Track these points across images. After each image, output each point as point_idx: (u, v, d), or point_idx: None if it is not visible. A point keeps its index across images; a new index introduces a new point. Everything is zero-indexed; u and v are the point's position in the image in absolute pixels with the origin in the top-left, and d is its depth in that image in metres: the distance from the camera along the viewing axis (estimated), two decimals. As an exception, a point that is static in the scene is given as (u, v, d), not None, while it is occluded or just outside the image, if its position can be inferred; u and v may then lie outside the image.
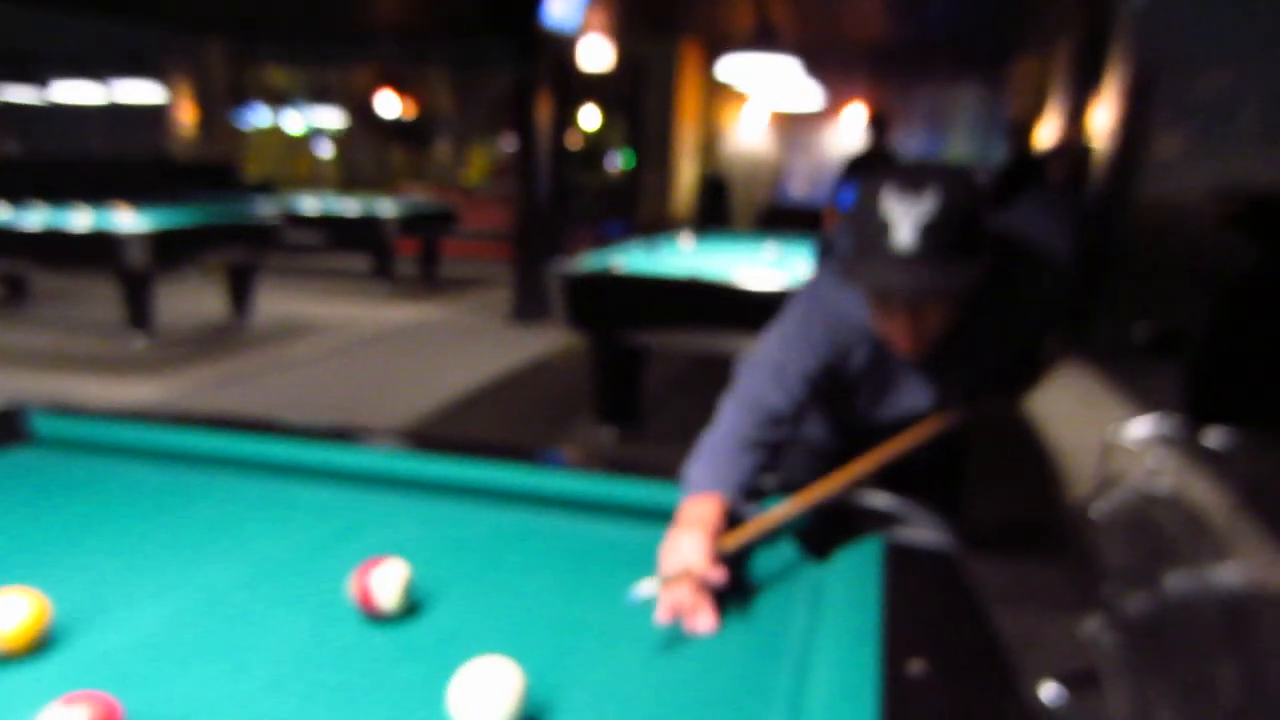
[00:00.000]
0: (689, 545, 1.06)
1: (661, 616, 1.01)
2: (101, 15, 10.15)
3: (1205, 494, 3.62)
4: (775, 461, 1.34)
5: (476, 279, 10.58)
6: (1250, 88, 4.34)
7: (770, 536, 1.19)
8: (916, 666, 0.81)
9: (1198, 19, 5.24)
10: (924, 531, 1.13)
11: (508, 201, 10.63)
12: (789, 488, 1.30)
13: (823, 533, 1.20)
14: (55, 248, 6.59)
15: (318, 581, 1.06)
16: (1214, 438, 3.67)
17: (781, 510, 1.19)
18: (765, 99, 6.32)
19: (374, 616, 0.97)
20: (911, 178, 1.21)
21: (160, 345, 6.71)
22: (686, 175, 11.58)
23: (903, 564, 1.05)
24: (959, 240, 1.20)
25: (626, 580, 1.06)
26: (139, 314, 6.67)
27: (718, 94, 11.85)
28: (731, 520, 1.17)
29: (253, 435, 1.45)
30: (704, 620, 1.00)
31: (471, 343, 7.01)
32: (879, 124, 6.01)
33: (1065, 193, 1.92)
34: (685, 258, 4.83)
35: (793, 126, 11.72)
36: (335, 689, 0.85)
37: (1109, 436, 3.84)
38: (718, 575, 1.03)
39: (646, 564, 1.11)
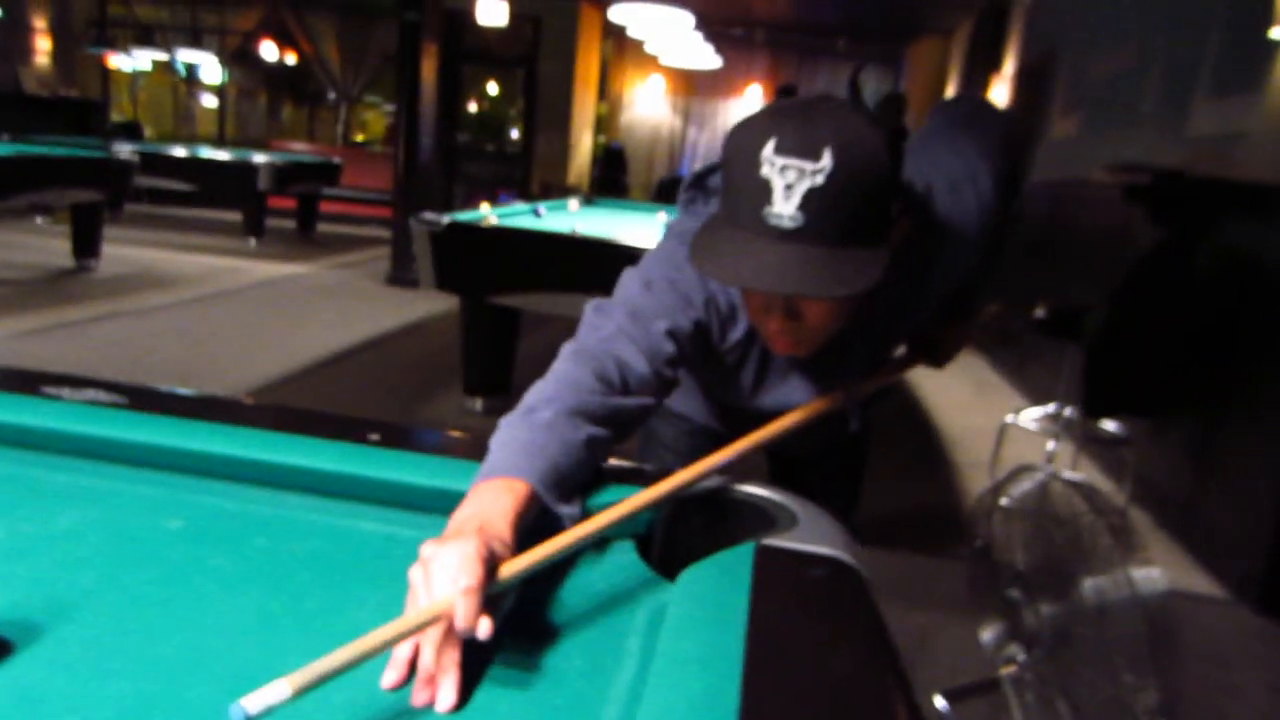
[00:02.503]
0: (453, 566, 0.65)
1: (390, 679, 0.64)
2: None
3: (1103, 485, 3.50)
4: (619, 442, 0.98)
5: (357, 239, 10.00)
6: (1147, 70, 4.25)
7: (588, 548, 0.84)
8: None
9: (1095, 1, 5.17)
10: (809, 532, 0.81)
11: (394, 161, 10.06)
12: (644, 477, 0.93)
13: (672, 537, 0.88)
14: None
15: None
16: (1110, 426, 3.55)
17: (612, 513, 0.82)
18: (661, 51, 6.03)
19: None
20: (806, 131, 0.87)
21: (-14, 290, 5.99)
22: (584, 144, 11.21)
23: (780, 572, 0.73)
24: (856, 219, 0.89)
25: (364, 611, 0.71)
26: (-46, 254, 5.92)
27: (618, 62, 11.50)
28: (539, 524, 0.80)
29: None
30: (445, 693, 0.62)
31: (342, 303, 6.50)
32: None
33: (979, 102, 1.53)
34: (569, 219, 4.47)
35: (694, 100, 11.47)
36: None
37: (1005, 423, 3.69)
38: (482, 629, 0.63)
39: (398, 576, 0.76)
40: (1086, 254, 4.54)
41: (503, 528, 0.73)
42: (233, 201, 9.12)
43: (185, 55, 11.72)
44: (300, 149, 12.09)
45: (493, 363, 4.03)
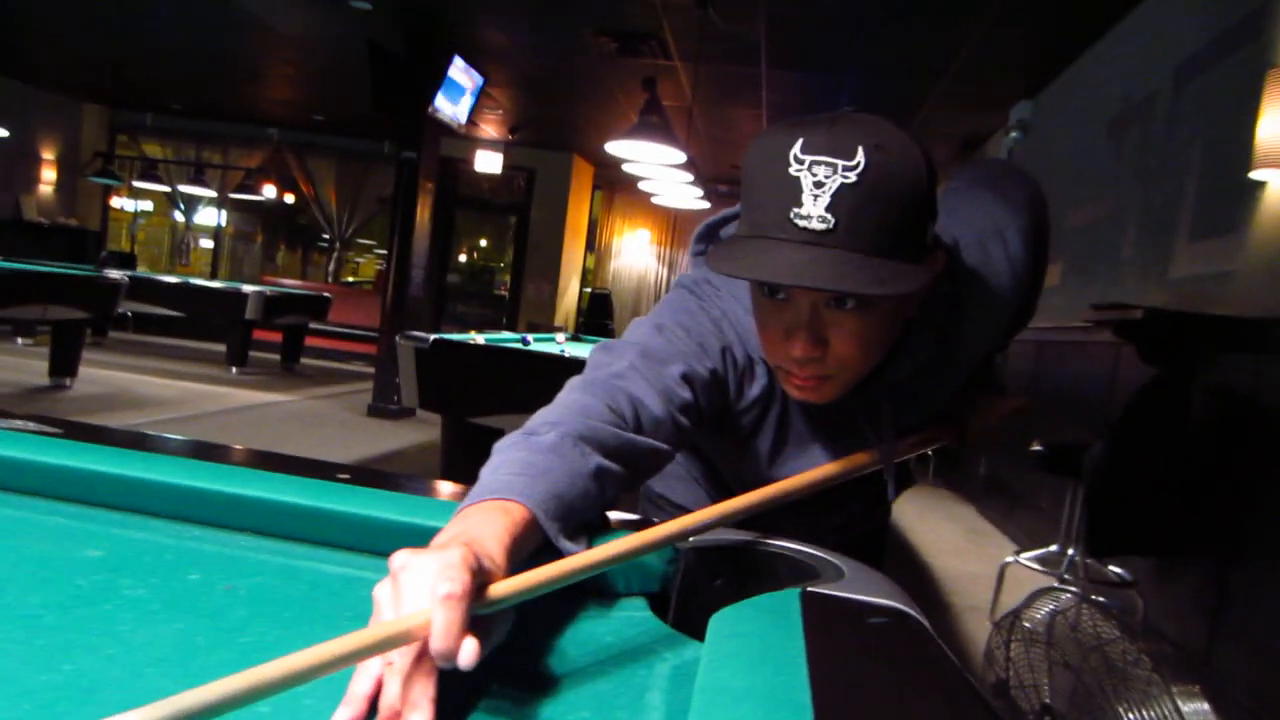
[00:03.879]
0: (431, 572, 0.51)
1: (345, 716, 0.48)
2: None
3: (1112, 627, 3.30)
4: (630, 487, 0.84)
5: (341, 373, 9.94)
6: (1127, 217, 4.35)
7: (593, 600, 0.70)
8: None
9: (1072, 153, 5.35)
10: (859, 584, 0.68)
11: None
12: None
13: (691, 594, 0.74)
14: None
15: None
16: (1114, 567, 3.39)
17: (614, 547, 0.66)
18: (654, 190, 6.17)
19: None
20: (836, 130, 0.79)
21: (-54, 403, 5.82)
22: (571, 290, 11.37)
23: (836, 623, 0.58)
24: (891, 228, 0.79)
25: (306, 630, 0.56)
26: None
27: (607, 215, 11.83)
28: (536, 553, 0.65)
29: None
30: None
31: (321, 430, 6.35)
32: None
33: (1003, 163, 1.45)
34: (556, 350, 4.42)
35: (678, 252, 11.73)
36: None
37: (1005, 564, 3.53)
38: (465, 652, 0.48)
39: (357, 614, 0.61)
40: (1076, 399, 4.50)
41: (493, 547, 0.58)
42: (219, 330, 9.10)
43: (187, 189, 11.96)
44: (291, 284, 12.19)
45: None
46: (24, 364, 7.49)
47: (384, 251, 15.12)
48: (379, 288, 13.51)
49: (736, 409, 1.02)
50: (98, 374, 7.30)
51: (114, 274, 7.72)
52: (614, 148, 4.21)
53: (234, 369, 8.70)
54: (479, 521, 0.61)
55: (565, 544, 0.67)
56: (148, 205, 13.97)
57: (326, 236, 14.77)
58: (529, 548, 0.65)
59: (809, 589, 0.63)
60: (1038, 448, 3.27)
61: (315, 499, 0.75)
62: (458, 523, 0.62)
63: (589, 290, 11.84)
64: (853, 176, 0.77)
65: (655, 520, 1.09)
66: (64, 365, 6.93)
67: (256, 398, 7.47)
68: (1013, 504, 5.09)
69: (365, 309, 12.26)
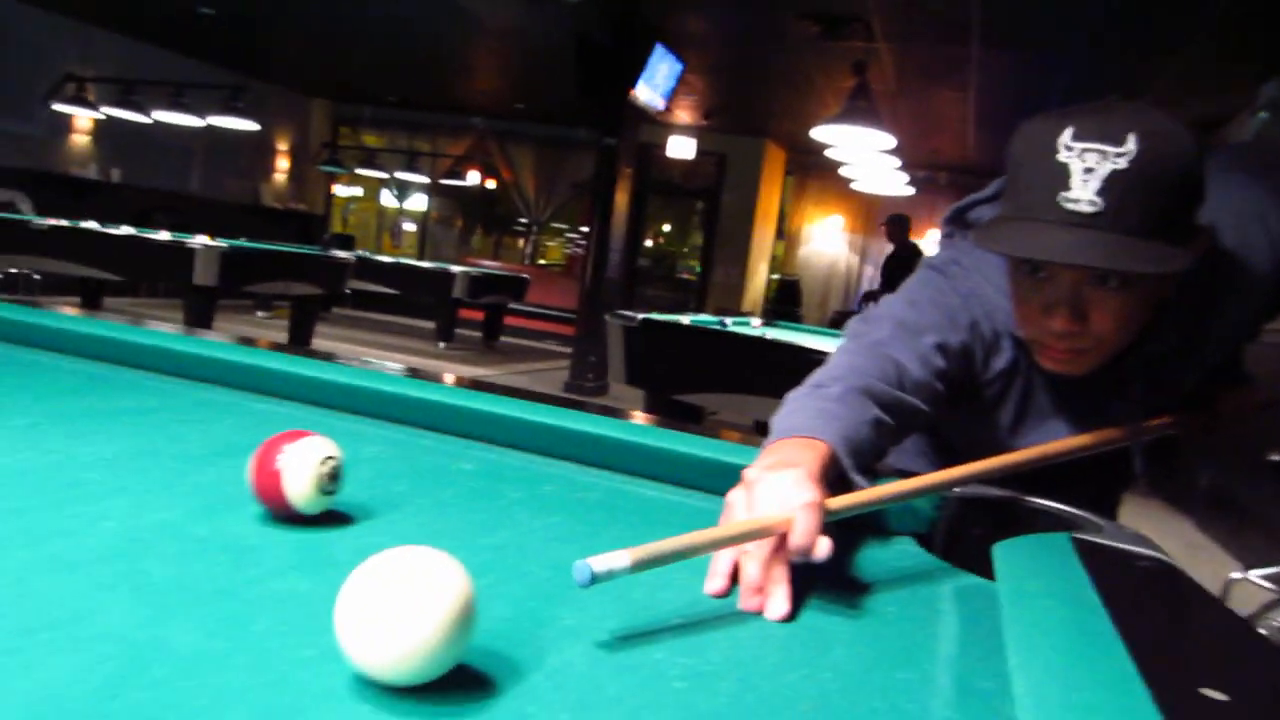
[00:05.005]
0: (790, 490, 0.63)
1: (715, 586, 0.62)
2: (217, 64, 10.54)
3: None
4: (897, 440, 0.94)
5: (537, 351, 10.42)
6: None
7: (870, 537, 0.80)
8: (1212, 693, 0.43)
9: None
10: (1118, 537, 0.74)
11: (577, 283, 10.51)
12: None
13: (955, 537, 0.83)
14: (128, 255, 6.57)
15: (217, 475, 0.73)
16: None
17: (911, 484, 0.79)
18: (856, 176, 6.13)
19: (280, 512, 0.63)
20: (1106, 117, 0.84)
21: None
22: (760, 276, 11.39)
23: (1112, 565, 0.66)
24: (1160, 212, 0.83)
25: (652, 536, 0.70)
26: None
27: (798, 200, 11.76)
28: (831, 485, 0.74)
29: (212, 341, 1.14)
30: (777, 602, 0.60)
31: (522, 404, 6.73)
32: (900, 225, 6.43)
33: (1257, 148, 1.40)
34: (755, 331, 4.51)
35: (871, 239, 11.51)
36: (162, 583, 0.51)
37: (1230, 579, 3.33)
38: (821, 548, 0.61)
39: (685, 529, 0.74)
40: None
41: (819, 471, 0.70)
42: (428, 308, 9.74)
43: (401, 176, 12.88)
44: (491, 265, 12.88)
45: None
46: (264, 334, 8.33)
47: (575, 235, 15.67)
48: (570, 270, 14.03)
49: (982, 380, 1.08)
50: (326, 345, 8.01)
51: (341, 254, 8.46)
52: (819, 132, 4.25)
53: (441, 344, 9.30)
54: (793, 453, 0.73)
55: (857, 478, 0.77)
56: (358, 191, 15.06)
57: (524, 220, 15.46)
58: (830, 478, 0.76)
59: (1075, 535, 0.71)
60: (1276, 457, 3.06)
61: (639, 436, 0.89)
62: (773, 454, 0.74)
63: (777, 277, 11.83)
64: (1123, 163, 0.82)
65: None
66: (301, 337, 7.67)
67: (463, 371, 7.99)
68: (1240, 520, 4.76)
69: (557, 290, 12.77)
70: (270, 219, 12.66)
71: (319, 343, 7.76)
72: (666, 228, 13.77)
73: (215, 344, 1.10)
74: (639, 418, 0.98)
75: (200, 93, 8.75)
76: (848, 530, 0.79)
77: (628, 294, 8.51)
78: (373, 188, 15.19)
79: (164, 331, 1.15)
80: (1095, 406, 1.08)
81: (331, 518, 0.65)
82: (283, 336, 7.64)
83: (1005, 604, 0.56)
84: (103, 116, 9.13)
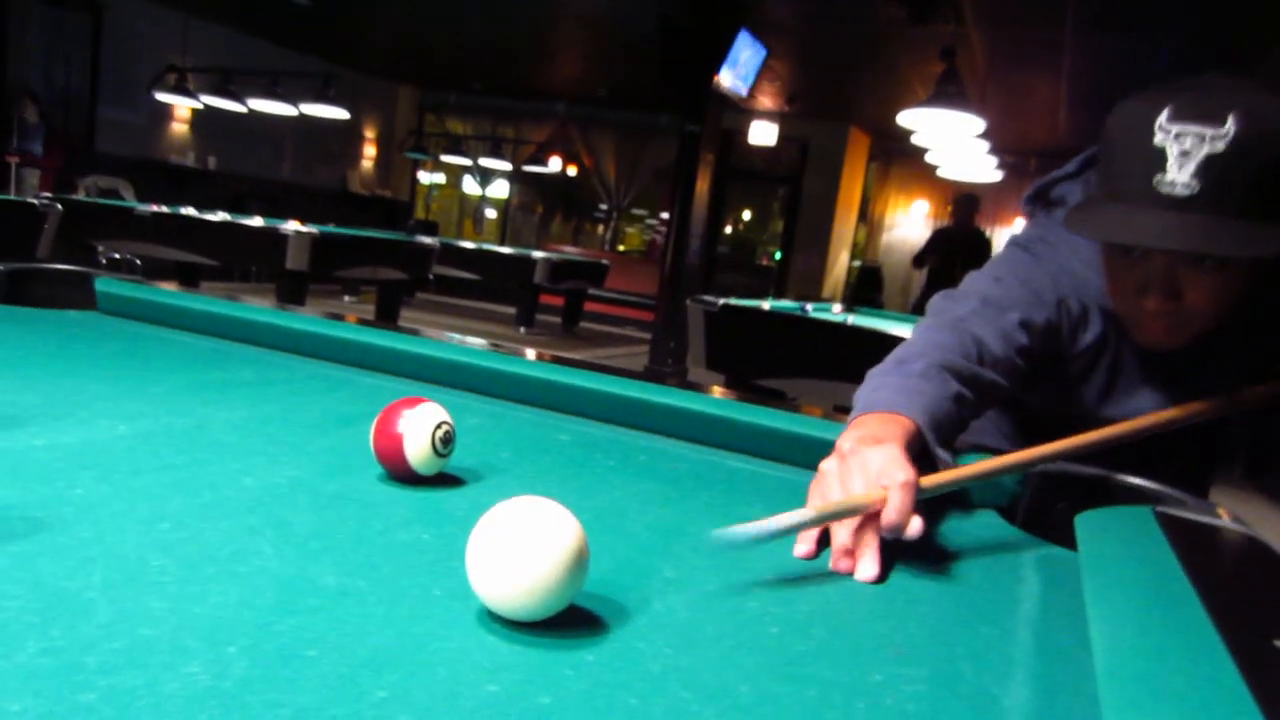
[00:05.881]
0: (885, 466, 0.66)
1: (803, 550, 0.65)
2: (306, 52, 10.87)
3: None
4: (976, 414, 0.95)
5: (616, 336, 10.50)
6: None
7: (954, 511, 0.82)
8: None
9: None
10: (1201, 511, 0.75)
11: (656, 269, 10.53)
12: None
13: (1037, 511, 0.84)
14: (224, 241, 6.85)
15: (335, 439, 0.79)
16: None
17: (999, 462, 0.80)
18: (941, 161, 6.03)
19: (398, 473, 0.68)
20: (1205, 96, 0.83)
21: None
22: (841, 262, 11.26)
23: (1194, 536, 0.67)
24: (1259, 192, 0.82)
25: (761, 507, 0.73)
26: (287, 313, 6.79)
27: (881, 185, 11.57)
28: (920, 462, 0.77)
29: (320, 319, 1.22)
30: (868, 564, 0.63)
31: (601, 388, 6.81)
32: (968, 205, 6.36)
33: None
34: (837, 317, 4.49)
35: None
36: (301, 531, 0.56)
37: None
38: (913, 526, 0.64)
39: (782, 496, 0.78)
40: None
41: (902, 448, 0.72)
42: (509, 293, 9.90)
43: (484, 162, 13.07)
44: (572, 251, 13.01)
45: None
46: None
47: (654, 221, 15.68)
48: (650, 256, 14.08)
49: (1070, 354, 1.08)
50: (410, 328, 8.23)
51: (427, 239, 8.67)
52: (906, 117, 4.19)
53: (522, 329, 9.46)
54: (880, 428, 0.76)
55: (940, 453, 0.79)
56: (441, 178, 15.35)
57: (604, 206, 15.55)
58: (914, 452, 0.78)
59: (1159, 509, 0.72)
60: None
61: (725, 410, 0.93)
62: (859, 428, 0.77)
63: (859, 263, 11.69)
64: (1221, 145, 0.81)
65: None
66: (388, 320, 7.89)
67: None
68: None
69: (636, 276, 12.82)
70: (357, 205, 13.03)
71: (405, 326, 7.97)
72: (747, 214, 13.71)
73: (326, 322, 1.17)
74: (721, 392, 1.02)
75: (293, 81, 9.03)
76: (932, 501, 0.82)
77: (706, 280, 8.52)
78: (455, 174, 15.46)
79: (279, 310, 1.23)
80: (1184, 379, 1.08)
81: (444, 479, 0.70)
82: (369, 318, 7.85)
83: (1085, 567, 0.58)
84: (201, 106, 9.48)
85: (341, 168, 13.32)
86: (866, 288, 10.93)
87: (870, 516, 0.64)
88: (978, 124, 4.16)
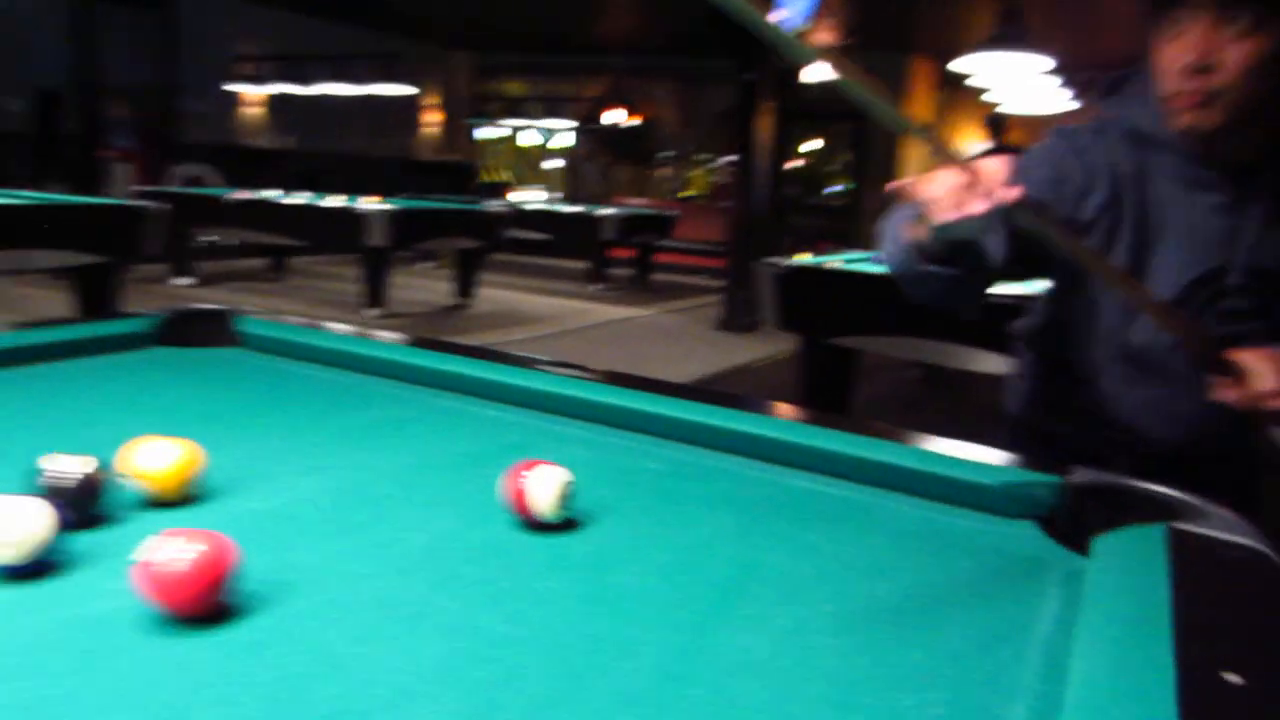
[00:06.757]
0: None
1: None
2: (363, 26, 11.06)
3: None
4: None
5: (689, 287, 10.59)
6: None
7: (984, 502, 0.96)
8: (1231, 676, 0.58)
9: None
10: (1220, 524, 0.87)
11: (723, 215, 10.54)
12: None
13: (1079, 516, 0.97)
14: (308, 223, 7.16)
15: (473, 484, 0.96)
16: None
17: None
18: (1005, 100, 5.94)
19: (527, 520, 0.85)
20: None
21: (390, 318, 7.11)
22: (913, 196, 11.09)
23: (1198, 556, 0.80)
24: None
25: (821, 532, 0.88)
26: (375, 290, 7.08)
27: (951, 113, 11.30)
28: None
29: (435, 353, 1.39)
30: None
31: (677, 344, 6.95)
32: (996, 124, 6.24)
33: None
34: (908, 265, 4.52)
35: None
36: (468, 583, 0.73)
37: None
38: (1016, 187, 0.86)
39: (841, 519, 0.93)
40: None
41: None
42: (579, 251, 10.06)
43: (544, 123, 13.18)
44: (638, 203, 13.09)
45: (831, 401, 4.17)
46: (433, 285, 8.84)
47: (719, 163, 15.58)
48: (717, 197, 14.01)
49: (1083, 220, 1.19)
50: (488, 293, 8.45)
51: (497, 206, 8.86)
52: (964, 64, 4.18)
53: (593, 285, 9.62)
54: None
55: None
56: (504, 131, 15.44)
57: (666, 154, 15.51)
58: None
59: (1174, 525, 0.84)
60: None
61: (788, 434, 1.08)
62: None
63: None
64: None
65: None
66: (466, 287, 8.13)
67: (616, 312, 8.27)
68: None
69: (703, 224, 12.84)
70: (424, 172, 13.30)
71: (482, 290, 8.21)
72: (812, 146, 13.46)
73: (447, 358, 1.35)
74: (787, 410, 1.16)
75: (358, 63, 9.25)
76: (968, 511, 0.96)
77: (775, 226, 8.50)
78: (515, 133, 15.58)
79: (401, 346, 1.41)
80: (1214, 227, 1.16)
81: (565, 524, 0.87)
82: (447, 287, 8.14)
83: (1085, 597, 0.72)
84: (271, 93, 9.80)
85: (407, 136, 13.59)
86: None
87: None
88: (1041, 63, 4.11)
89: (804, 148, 13.09)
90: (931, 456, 1.03)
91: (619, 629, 0.67)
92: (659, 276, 10.91)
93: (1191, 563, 0.76)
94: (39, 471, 0.76)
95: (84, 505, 0.76)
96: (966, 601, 0.77)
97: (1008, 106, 6.23)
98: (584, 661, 0.63)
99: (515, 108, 13.90)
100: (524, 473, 0.84)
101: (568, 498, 0.84)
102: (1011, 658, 0.66)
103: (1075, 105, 6.20)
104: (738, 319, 7.59)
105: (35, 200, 5.04)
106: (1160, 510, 0.92)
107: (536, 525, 0.85)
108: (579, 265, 10.50)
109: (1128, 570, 0.74)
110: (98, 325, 1.49)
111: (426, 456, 1.05)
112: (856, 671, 0.63)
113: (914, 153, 11.11)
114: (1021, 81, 4.72)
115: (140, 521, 0.80)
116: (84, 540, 0.74)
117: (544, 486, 0.83)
